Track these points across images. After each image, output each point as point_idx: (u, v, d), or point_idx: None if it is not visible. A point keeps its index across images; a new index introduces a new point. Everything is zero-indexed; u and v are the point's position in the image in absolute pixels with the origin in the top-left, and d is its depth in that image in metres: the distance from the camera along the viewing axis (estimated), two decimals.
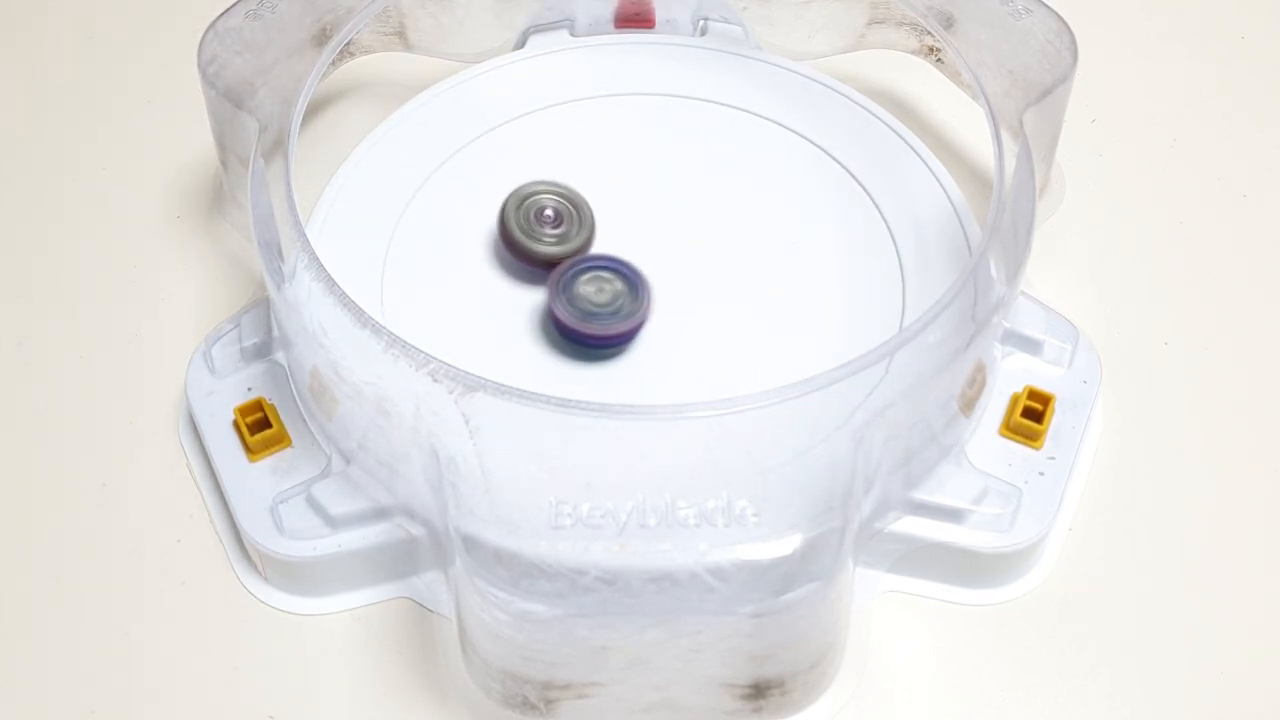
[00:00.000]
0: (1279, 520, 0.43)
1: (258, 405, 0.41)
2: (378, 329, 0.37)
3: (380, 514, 0.39)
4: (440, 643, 0.40)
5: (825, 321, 0.43)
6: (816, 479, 0.36)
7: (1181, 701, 0.39)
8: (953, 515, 0.40)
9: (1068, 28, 0.44)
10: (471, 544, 0.35)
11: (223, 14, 0.44)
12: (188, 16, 0.50)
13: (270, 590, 0.41)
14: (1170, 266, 0.48)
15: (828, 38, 0.49)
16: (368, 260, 0.44)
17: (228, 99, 0.43)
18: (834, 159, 0.46)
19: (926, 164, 0.46)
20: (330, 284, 0.38)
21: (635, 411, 0.36)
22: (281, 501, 0.40)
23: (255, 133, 0.42)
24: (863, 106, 0.48)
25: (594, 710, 0.37)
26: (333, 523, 0.39)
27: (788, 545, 0.35)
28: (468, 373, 0.37)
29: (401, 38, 0.49)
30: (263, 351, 0.43)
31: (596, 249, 0.44)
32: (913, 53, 0.49)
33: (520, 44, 0.50)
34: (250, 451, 0.41)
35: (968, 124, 0.49)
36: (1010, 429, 0.42)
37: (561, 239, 0.43)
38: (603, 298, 0.42)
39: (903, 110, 0.49)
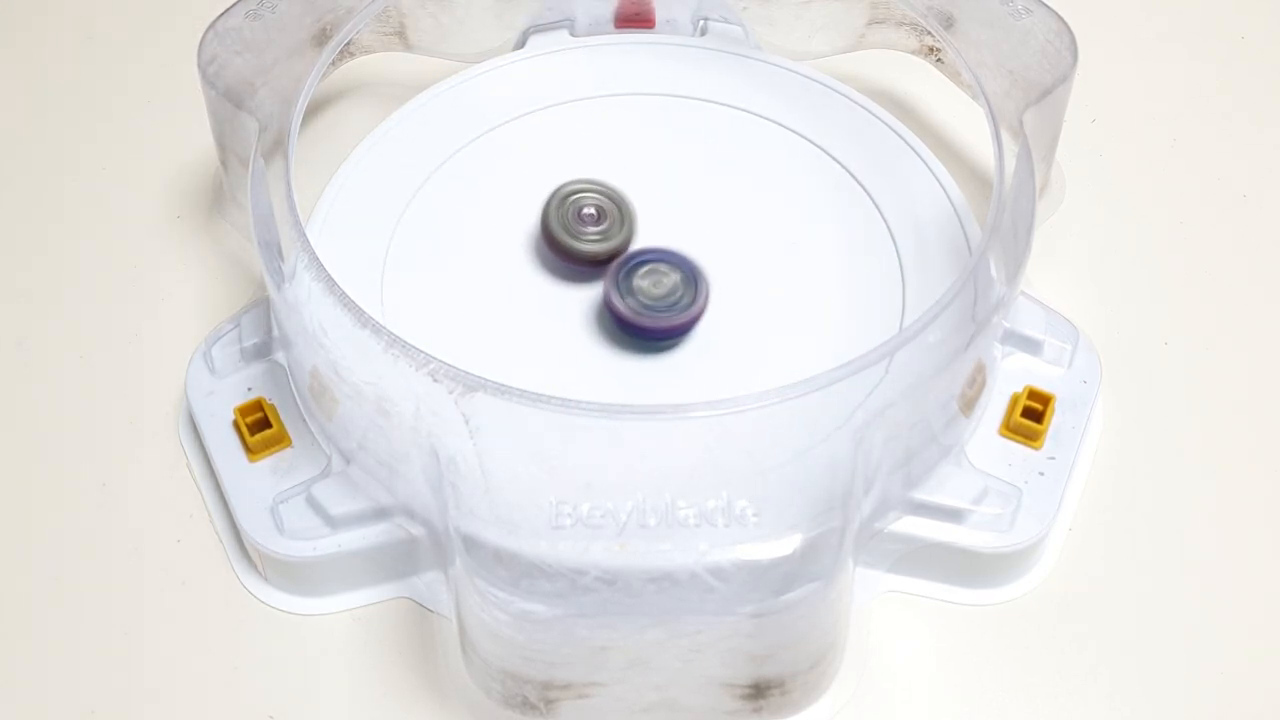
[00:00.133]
0: (1279, 520, 0.43)
1: (258, 405, 0.41)
2: (378, 329, 0.37)
3: (380, 514, 0.39)
4: (440, 643, 0.40)
5: (825, 321, 0.43)
6: (816, 479, 0.36)
7: (1181, 701, 0.39)
8: (953, 515, 0.40)
9: (1068, 28, 0.44)
10: (471, 544, 0.35)
11: (223, 14, 0.44)
12: (188, 16, 0.50)
13: (270, 590, 0.41)
14: (1170, 266, 0.48)
15: (828, 38, 0.49)
16: (368, 260, 0.44)
17: (228, 99, 0.43)
18: (834, 159, 0.46)
19: (926, 164, 0.46)
20: (330, 284, 0.38)
21: (635, 411, 0.36)
22: (281, 501, 0.40)
23: (255, 133, 0.42)
24: (863, 106, 0.48)
25: (594, 710, 0.37)
26: (333, 523, 0.39)
27: (788, 545, 0.35)
28: (468, 373, 0.37)
29: (401, 38, 0.49)
30: (263, 351, 0.43)
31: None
32: (913, 53, 0.49)
33: (520, 44, 0.50)
34: (250, 451, 0.41)
35: (968, 124, 0.49)
36: (1010, 429, 0.42)
37: (604, 236, 0.43)
38: (659, 290, 0.42)
39: (903, 110, 0.49)
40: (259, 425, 0.41)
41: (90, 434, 0.44)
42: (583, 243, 0.43)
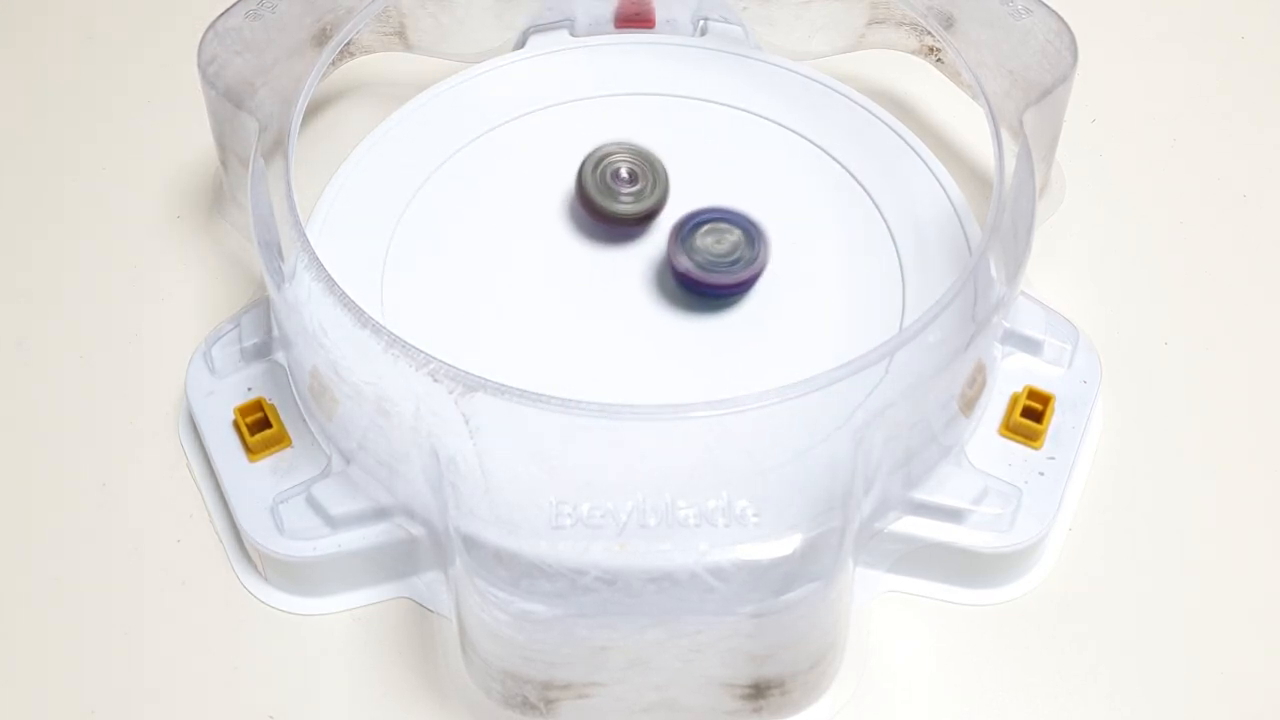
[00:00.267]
0: (1279, 520, 0.43)
1: (258, 405, 0.41)
2: (378, 329, 0.37)
3: (380, 514, 0.39)
4: (440, 643, 0.40)
5: (825, 321, 0.43)
6: (816, 479, 0.36)
7: (1181, 701, 0.39)
8: (953, 515, 0.40)
9: (1068, 28, 0.44)
10: (471, 544, 0.35)
11: (223, 14, 0.44)
12: (188, 16, 0.50)
13: (270, 590, 0.41)
14: (1170, 266, 0.48)
15: (828, 38, 0.49)
16: (368, 260, 0.44)
17: (228, 99, 0.43)
18: (834, 159, 0.46)
19: (926, 164, 0.46)
20: (330, 284, 0.38)
21: (635, 411, 0.36)
22: (281, 501, 0.40)
23: (255, 133, 0.42)
24: (863, 106, 0.48)
25: (594, 710, 0.37)
26: (333, 523, 0.39)
27: (788, 545, 0.35)
28: (467, 373, 0.37)
29: (401, 38, 0.49)
30: (263, 351, 0.43)
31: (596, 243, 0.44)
32: (913, 53, 0.49)
33: (520, 44, 0.50)
34: (250, 451, 0.41)
35: (968, 124, 0.49)
36: (1010, 429, 0.42)
37: (638, 196, 0.44)
38: (722, 248, 0.42)
39: (903, 110, 0.49)
40: (259, 425, 0.41)
41: (90, 434, 0.44)
42: (620, 204, 0.44)
